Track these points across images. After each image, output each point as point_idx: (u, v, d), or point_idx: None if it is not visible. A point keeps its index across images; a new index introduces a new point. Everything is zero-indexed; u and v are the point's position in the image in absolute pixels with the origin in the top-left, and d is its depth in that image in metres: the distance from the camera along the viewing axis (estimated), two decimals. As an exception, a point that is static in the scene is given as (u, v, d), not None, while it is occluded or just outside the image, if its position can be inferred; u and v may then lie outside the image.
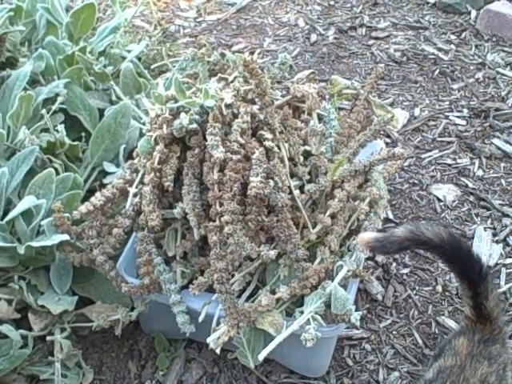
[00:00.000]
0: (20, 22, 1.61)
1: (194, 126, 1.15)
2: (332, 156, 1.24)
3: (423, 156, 1.77)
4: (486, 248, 1.51)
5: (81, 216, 1.18)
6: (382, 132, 1.78)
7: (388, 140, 1.81)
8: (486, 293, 1.03)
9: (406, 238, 0.99)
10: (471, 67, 2.06)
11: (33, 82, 1.52)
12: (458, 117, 1.88)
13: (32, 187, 1.23)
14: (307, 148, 1.22)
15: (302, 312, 1.08)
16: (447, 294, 1.43)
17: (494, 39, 2.17)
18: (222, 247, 1.09)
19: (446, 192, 1.66)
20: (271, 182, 1.10)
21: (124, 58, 1.66)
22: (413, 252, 1.51)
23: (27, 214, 1.19)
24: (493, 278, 1.15)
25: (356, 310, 1.08)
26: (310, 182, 1.21)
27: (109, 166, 1.39)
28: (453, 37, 2.19)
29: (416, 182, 1.69)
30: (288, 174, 1.16)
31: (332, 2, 2.37)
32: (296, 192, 1.17)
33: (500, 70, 2.04)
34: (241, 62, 1.22)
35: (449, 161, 1.75)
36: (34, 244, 1.16)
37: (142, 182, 1.19)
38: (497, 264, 1.49)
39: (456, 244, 1.01)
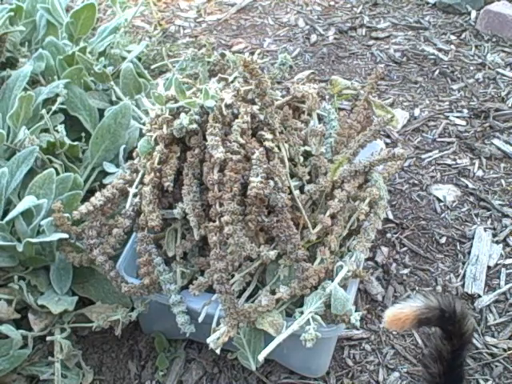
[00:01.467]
0: (20, 22, 1.61)
1: (194, 126, 1.15)
2: (332, 156, 1.24)
3: (423, 156, 1.77)
4: (485, 248, 1.51)
5: (81, 216, 1.18)
6: (382, 132, 1.78)
7: (388, 140, 1.81)
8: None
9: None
10: (471, 67, 2.06)
11: (33, 83, 1.52)
12: (458, 117, 1.88)
13: (32, 187, 1.23)
14: (307, 148, 1.22)
15: (301, 312, 1.08)
16: (447, 294, 1.42)
17: (494, 39, 2.17)
18: (221, 247, 1.09)
19: (446, 192, 1.66)
20: (271, 183, 1.10)
21: (124, 59, 1.66)
22: (413, 252, 1.51)
23: (27, 214, 1.19)
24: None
25: (356, 311, 1.08)
26: (309, 182, 1.21)
27: (109, 167, 1.39)
28: (453, 37, 2.19)
29: (416, 182, 1.69)
30: (288, 175, 1.16)
31: (332, 3, 2.38)
32: (296, 192, 1.17)
33: (500, 70, 2.04)
34: (241, 62, 1.22)
35: (449, 161, 1.75)
36: (33, 240, 1.15)
37: (141, 182, 1.19)
38: (497, 264, 1.49)
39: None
